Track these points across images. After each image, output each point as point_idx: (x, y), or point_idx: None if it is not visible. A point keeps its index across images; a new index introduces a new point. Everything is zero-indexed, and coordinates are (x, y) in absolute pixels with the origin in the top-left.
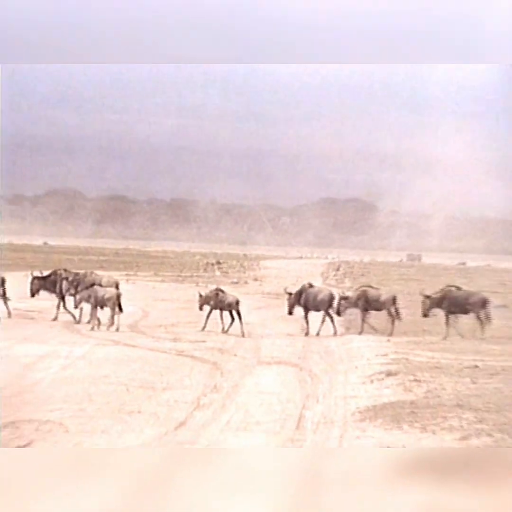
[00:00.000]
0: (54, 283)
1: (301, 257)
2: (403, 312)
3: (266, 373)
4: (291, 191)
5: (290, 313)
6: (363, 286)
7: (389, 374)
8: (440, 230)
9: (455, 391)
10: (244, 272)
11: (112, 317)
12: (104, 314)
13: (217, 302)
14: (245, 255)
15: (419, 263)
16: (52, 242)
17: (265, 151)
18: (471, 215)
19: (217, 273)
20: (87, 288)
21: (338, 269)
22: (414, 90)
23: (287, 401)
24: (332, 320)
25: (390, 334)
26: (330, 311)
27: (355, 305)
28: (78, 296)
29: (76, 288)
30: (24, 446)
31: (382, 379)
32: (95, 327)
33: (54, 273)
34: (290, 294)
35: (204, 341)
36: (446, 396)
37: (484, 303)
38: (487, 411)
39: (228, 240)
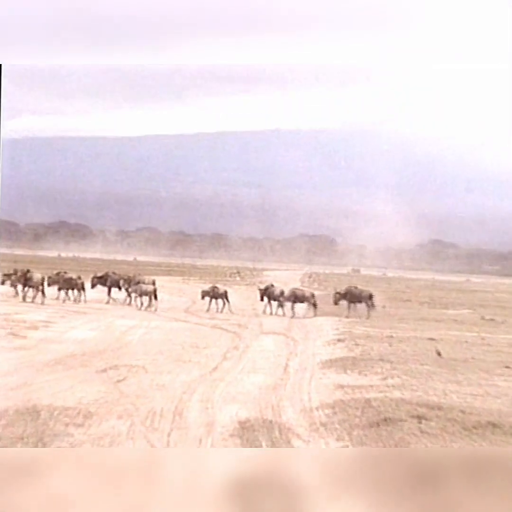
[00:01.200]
0: (105, 280)
1: (287, 269)
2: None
3: (266, 339)
4: (282, 229)
5: (262, 299)
6: (350, 285)
7: (339, 340)
8: (371, 254)
9: (379, 351)
10: (253, 278)
11: (150, 302)
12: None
13: (214, 293)
14: (254, 267)
15: (358, 274)
16: (139, 258)
17: (269, 207)
18: (390, 245)
19: (237, 278)
20: (136, 284)
21: (310, 277)
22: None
23: (278, 356)
24: (369, 307)
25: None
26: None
27: (344, 297)
28: (130, 289)
29: (129, 284)
30: (122, 381)
31: (335, 343)
32: (141, 308)
33: (106, 274)
34: (260, 289)
35: (228, 319)
36: (373, 354)
37: (370, 296)
38: (398, 363)
39: (244, 258)
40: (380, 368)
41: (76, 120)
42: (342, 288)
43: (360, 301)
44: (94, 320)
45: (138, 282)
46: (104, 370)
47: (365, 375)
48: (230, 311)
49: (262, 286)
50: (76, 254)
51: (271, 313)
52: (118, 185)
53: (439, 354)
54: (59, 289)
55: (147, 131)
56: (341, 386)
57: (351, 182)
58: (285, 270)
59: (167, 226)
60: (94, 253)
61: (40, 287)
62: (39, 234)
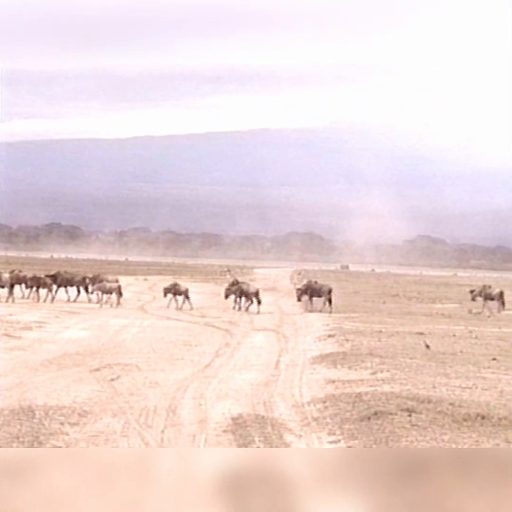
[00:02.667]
0: (56, 279)
1: (278, 267)
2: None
3: (257, 335)
4: (273, 227)
5: (227, 297)
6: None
7: (330, 336)
8: (360, 251)
9: (368, 346)
10: (244, 276)
11: (118, 299)
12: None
13: (175, 290)
14: (245, 265)
15: (347, 270)
16: (131, 259)
17: (259, 206)
18: (379, 242)
19: (228, 276)
20: (99, 282)
21: (299, 274)
22: None
23: (270, 352)
24: (330, 303)
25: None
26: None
27: (305, 292)
28: (93, 287)
29: (93, 282)
30: (115, 379)
31: (326, 338)
32: (103, 305)
33: (57, 273)
34: (232, 285)
35: (220, 317)
36: (363, 348)
37: (329, 291)
38: (386, 357)
39: (235, 257)
40: (370, 362)
41: (68, 122)
42: (302, 284)
43: (319, 296)
44: (88, 319)
45: (102, 281)
46: (98, 369)
47: (355, 369)
48: (191, 308)
49: (227, 284)
50: (69, 255)
51: (239, 309)
52: (110, 186)
53: (428, 347)
54: (27, 288)
55: (138, 132)
56: (332, 381)
57: (340, 179)
58: (275, 268)
59: (158, 226)
60: (87, 254)
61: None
62: (32, 236)
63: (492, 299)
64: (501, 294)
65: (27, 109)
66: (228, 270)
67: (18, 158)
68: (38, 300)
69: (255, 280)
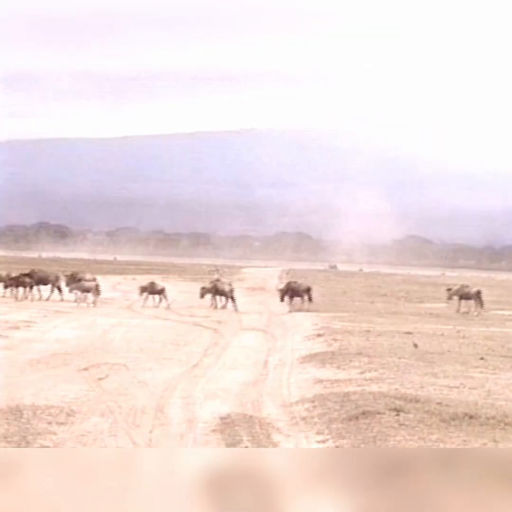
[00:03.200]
0: (31, 278)
1: (266, 267)
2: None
3: (245, 335)
4: (262, 227)
5: (202, 296)
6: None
7: (318, 335)
8: (347, 251)
9: (356, 345)
10: (232, 276)
11: (96, 298)
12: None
13: (151, 289)
14: (234, 265)
15: (335, 270)
16: (120, 258)
17: (247, 206)
18: (367, 241)
19: (216, 276)
20: (77, 281)
21: (288, 274)
22: None
23: (258, 351)
24: (310, 301)
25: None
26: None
27: (285, 292)
28: (72, 286)
29: (71, 281)
30: (103, 379)
31: (314, 338)
32: (81, 304)
33: (32, 271)
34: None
35: (209, 316)
36: (351, 348)
37: (308, 289)
38: (375, 356)
39: (224, 257)
40: (358, 362)
41: (57, 122)
42: (283, 285)
43: (299, 295)
44: (75, 319)
45: (80, 280)
46: (86, 369)
47: (344, 369)
48: (168, 307)
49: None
50: (57, 255)
51: (215, 307)
52: (99, 185)
53: (416, 347)
54: (5, 287)
55: (127, 132)
56: (320, 381)
57: (327, 179)
58: (264, 268)
59: (147, 226)
60: (76, 253)
61: None
62: (21, 235)
63: (469, 298)
64: (478, 293)
65: (15, 109)
66: (217, 270)
67: (6, 157)
68: (17, 299)
69: (244, 280)
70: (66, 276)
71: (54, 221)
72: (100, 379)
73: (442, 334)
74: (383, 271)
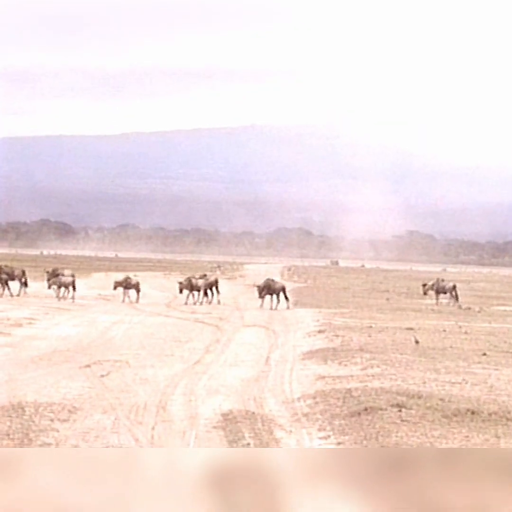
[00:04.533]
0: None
1: (268, 263)
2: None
3: (247, 331)
4: (263, 224)
5: (181, 291)
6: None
7: (320, 331)
8: (349, 247)
9: (358, 341)
10: (234, 272)
11: (73, 293)
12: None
13: (126, 284)
14: (235, 261)
15: (337, 266)
16: (121, 255)
17: (252, 202)
18: (368, 237)
19: (218, 272)
20: (55, 276)
21: (289, 270)
22: None
23: (260, 348)
24: (287, 299)
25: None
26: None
27: (263, 290)
28: (50, 281)
29: (52, 276)
30: (105, 375)
31: (316, 334)
32: (62, 299)
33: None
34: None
35: (210, 313)
36: (353, 344)
37: (283, 288)
38: (377, 352)
39: (226, 253)
40: (360, 358)
41: (55, 119)
42: (260, 283)
43: (277, 293)
44: (77, 316)
45: (58, 275)
46: (88, 366)
47: (346, 365)
48: (137, 301)
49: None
50: (59, 252)
51: (194, 303)
52: (100, 183)
53: (417, 343)
54: None
55: (127, 128)
56: (322, 377)
57: (328, 175)
58: (266, 264)
59: (148, 223)
60: (77, 250)
61: None
62: (22, 232)
63: (445, 292)
64: (454, 288)
65: (15, 106)
66: (218, 266)
67: (7, 154)
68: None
69: (245, 276)
70: (47, 272)
71: (55, 218)
72: (102, 376)
73: (444, 330)
74: (385, 267)
